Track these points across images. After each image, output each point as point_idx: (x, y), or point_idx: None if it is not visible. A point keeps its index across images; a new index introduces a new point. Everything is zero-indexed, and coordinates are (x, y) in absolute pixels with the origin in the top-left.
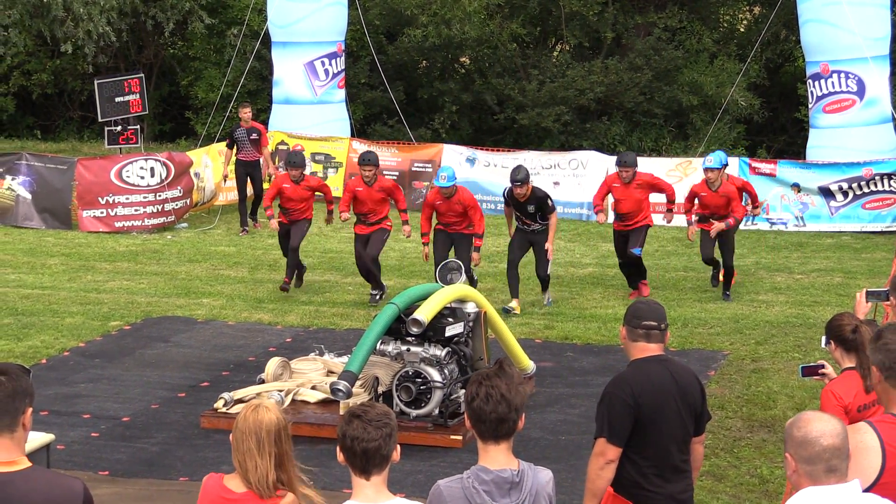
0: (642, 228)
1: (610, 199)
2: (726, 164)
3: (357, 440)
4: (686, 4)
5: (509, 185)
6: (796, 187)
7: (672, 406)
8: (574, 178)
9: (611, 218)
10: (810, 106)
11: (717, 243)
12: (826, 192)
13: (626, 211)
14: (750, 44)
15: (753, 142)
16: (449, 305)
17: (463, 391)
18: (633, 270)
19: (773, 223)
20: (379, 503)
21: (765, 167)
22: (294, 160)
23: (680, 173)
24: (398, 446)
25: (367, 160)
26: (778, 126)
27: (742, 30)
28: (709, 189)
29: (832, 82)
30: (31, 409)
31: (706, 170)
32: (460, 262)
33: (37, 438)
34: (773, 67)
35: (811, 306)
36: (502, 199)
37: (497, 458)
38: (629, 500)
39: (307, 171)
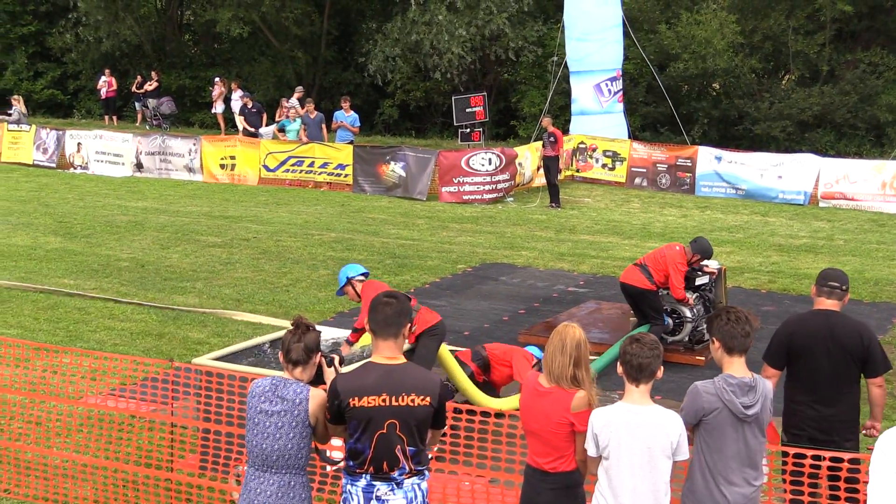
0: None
1: None
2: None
3: (635, 356)
4: (886, 45)
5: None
6: None
7: (822, 347)
8: (794, 172)
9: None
10: None
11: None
12: None
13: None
14: None
15: None
16: (697, 265)
17: (705, 325)
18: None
19: None
20: (642, 405)
21: None
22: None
23: (875, 171)
24: (662, 367)
25: None
26: None
27: None
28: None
29: None
30: (409, 325)
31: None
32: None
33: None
34: None
35: None
36: (737, 182)
37: (738, 369)
38: (785, 408)
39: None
